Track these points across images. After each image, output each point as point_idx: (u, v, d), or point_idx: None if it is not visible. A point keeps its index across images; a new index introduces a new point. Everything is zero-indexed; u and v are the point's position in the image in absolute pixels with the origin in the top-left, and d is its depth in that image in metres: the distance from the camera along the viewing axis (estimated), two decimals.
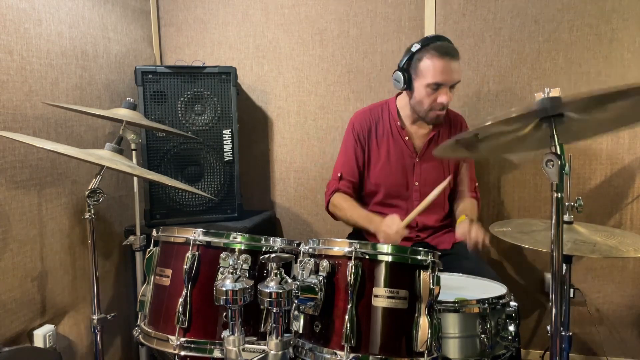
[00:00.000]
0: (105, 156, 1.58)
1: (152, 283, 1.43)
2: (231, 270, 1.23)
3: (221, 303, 1.17)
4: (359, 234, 2.14)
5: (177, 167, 2.21)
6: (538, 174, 2.32)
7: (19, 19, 1.73)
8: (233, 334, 1.19)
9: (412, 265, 1.23)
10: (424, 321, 1.20)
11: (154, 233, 1.48)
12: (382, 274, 1.22)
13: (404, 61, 1.90)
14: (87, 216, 1.58)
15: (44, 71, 1.84)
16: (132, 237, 1.95)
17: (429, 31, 2.33)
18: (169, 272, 1.39)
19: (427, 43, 1.85)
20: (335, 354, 1.19)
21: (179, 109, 2.19)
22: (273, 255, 1.17)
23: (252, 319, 1.33)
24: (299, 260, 1.33)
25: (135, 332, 1.43)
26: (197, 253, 1.35)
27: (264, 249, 1.39)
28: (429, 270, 1.22)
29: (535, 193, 2.33)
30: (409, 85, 1.91)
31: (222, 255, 1.34)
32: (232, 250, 1.35)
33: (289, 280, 1.17)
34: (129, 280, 2.26)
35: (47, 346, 1.78)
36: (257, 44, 2.54)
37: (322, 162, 2.54)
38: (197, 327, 1.33)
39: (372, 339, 1.19)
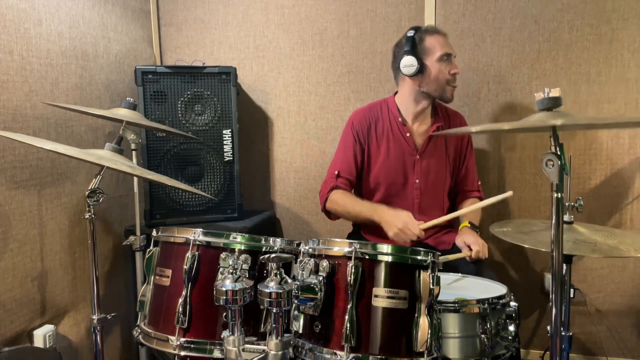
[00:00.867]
0: (105, 156, 1.58)
1: (152, 283, 1.43)
2: (231, 271, 1.23)
3: (221, 303, 1.17)
4: (358, 234, 2.15)
5: (177, 167, 2.21)
6: (538, 174, 2.32)
7: (19, 19, 1.73)
8: (233, 334, 1.19)
9: (412, 265, 1.23)
10: (424, 321, 1.20)
11: (154, 233, 1.48)
12: (382, 274, 1.22)
13: (408, 46, 1.91)
14: (87, 216, 1.57)
15: (44, 71, 1.84)
16: (132, 237, 1.95)
17: None
18: (169, 272, 1.39)
19: (418, 28, 1.95)
20: (335, 354, 1.19)
21: (179, 109, 2.19)
22: (273, 255, 1.17)
23: (252, 319, 1.33)
24: (299, 260, 1.33)
25: (135, 332, 1.43)
26: (197, 253, 1.35)
27: (264, 249, 1.39)
28: (429, 271, 1.22)
29: (535, 193, 2.33)
30: (421, 67, 1.91)
31: (222, 255, 1.34)
32: (232, 250, 1.35)
33: (289, 280, 1.17)
34: (129, 280, 2.26)
35: (47, 346, 1.78)
36: (257, 44, 2.54)
37: (322, 162, 2.53)
38: (197, 327, 1.33)
39: (372, 339, 1.19)
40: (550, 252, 1.11)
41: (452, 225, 2.12)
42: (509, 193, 1.69)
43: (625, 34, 2.16)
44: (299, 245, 1.40)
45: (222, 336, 1.21)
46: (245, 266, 1.33)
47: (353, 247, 1.22)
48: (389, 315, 1.20)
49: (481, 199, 2.12)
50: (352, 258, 1.21)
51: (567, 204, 1.47)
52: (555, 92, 1.13)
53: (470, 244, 1.80)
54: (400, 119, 2.02)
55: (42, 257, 1.82)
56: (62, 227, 1.92)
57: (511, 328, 1.40)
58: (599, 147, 2.25)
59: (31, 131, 1.78)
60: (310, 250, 1.31)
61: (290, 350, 1.22)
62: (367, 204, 1.95)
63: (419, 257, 1.23)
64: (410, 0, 2.36)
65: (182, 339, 1.32)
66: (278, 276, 1.16)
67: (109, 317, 1.65)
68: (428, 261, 1.23)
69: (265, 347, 1.18)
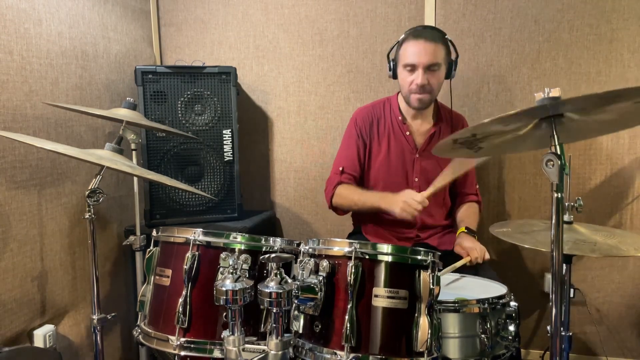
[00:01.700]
0: (105, 156, 1.58)
1: (152, 283, 1.43)
2: (231, 270, 1.24)
3: (221, 303, 1.17)
4: (359, 233, 2.15)
5: (177, 167, 2.21)
6: (538, 174, 2.32)
7: (19, 19, 1.73)
8: (233, 334, 1.19)
9: (412, 265, 1.23)
10: (424, 321, 1.20)
11: (154, 233, 1.48)
12: (382, 274, 1.22)
13: (393, 50, 1.97)
14: (87, 216, 1.57)
15: (44, 71, 1.84)
16: (132, 237, 1.95)
17: None
18: (169, 272, 1.39)
19: (410, 31, 1.92)
20: (335, 354, 1.19)
21: (179, 109, 2.19)
22: (273, 255, 1.17)
23: (252, 319, 1.33)
24: (299, 260, 1.33)
25: (135, 332, 1.43)
26: (197, 253, 1.35)
27: (264, 249, 1.39)
28: (429, 270, 1.22)
29: (535, 193, 2.33)
30: (394, 74, 1.97)
31: (222, 255, 1.34)
32: (232, 250, 1.35)
33: (289, 280, 1.17)
34: (129, 280, 2.26)
35: (47, 346, 1.78)
36: (257, 44, 2.54)
37: (322, 162, 2.54)
38: (197, 327, 1.33)
39: (372, 339, 1.19)
40: (550, 252, 1.11)
41: (453, 226, 2.12)
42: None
43: (625, 34, 2.16)
44: (299, 245, 1.40)
45: (222, 336, 1.21)
46: (245, 266, 1.33)
47: (353, 247, 1.22)
48: (389, 315, 1.20)
49: (479, 203, 2.14)
50: (352, 258, 1.20)
51: (567, 204, 1.47)
52: (555, 92, 1.13)
53: (469, 250, 1.80)
54: (400, 118, 2.03)
55: (42, 257, 1.82)
56: (62, 227, 1.92)
57: (511, 328, 1.40)
58: (599, 147, 2.25)
59: (31, 131, 1.78)
60: (310, 250, 1.31)
61: (290, 350, 1.22)
62: (372, 193, 1.97)
63: (419, 257, 1.23)
64: (410, 0, 2.36)
65: (182, 339, 1.32)
66: (278, 276, 1.16)
67: (109, 317, 1.65)
68: (428, 261, 1.23)
69: (265, 347, 1.18)
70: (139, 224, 1.99)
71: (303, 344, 1.25)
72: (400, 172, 2.03)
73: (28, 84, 1.77)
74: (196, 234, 1.36)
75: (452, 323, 1.37)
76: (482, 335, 1.36)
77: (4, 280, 1.65)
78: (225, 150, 2.25)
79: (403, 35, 1.93)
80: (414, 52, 1.86)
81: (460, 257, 1.83)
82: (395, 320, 1.20)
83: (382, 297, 1.20)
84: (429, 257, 1.24)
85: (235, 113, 2.25)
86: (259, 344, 1.21)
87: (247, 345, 1.20)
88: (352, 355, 1.17)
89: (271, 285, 1.15)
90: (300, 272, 1.28)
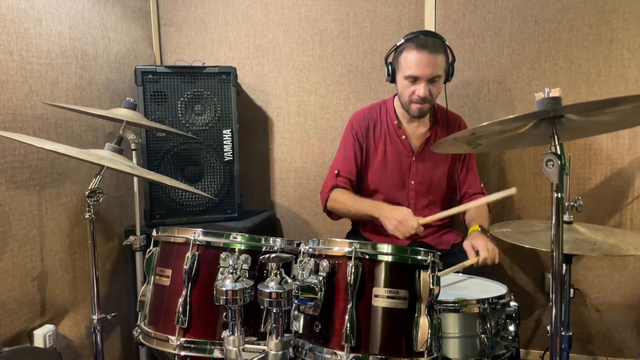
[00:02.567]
0: (105, 156, 1.58)
1: (152, 283, 1.43)
2: (231, 270, 1.24)
3: (221, 303, 1.17)
4: (358, 233, 2.15)
5: (177, 167, 2.21)
6: (538, 174, 2.32)
7: (19, 19, 1.73)
8: (233, 334, 1.19)
9: (412, 265, 1.23)
10: (424, 321, 1.20)
11: (154, 233, 1.48)
12: (382, 274, 1.22)
13: (389, 55, 1.96)
14: (87, 216, 1.57)
15: (44, 71, 1.84)
16: (132, 237, 1.95)
17: None
18: (169, 272, 1.39)
19: (410, 37, 1.87)
20: (335, 354, 1.19)
21: (179, 109, 2.19)
22: (273, 255, 1.17)
23: (252, 319, 1.33)
24: (299, 260, 1.33)
25: (135, 332, 1.43)
26: (197, 253, 1.35)
27: (264, 249, 1.39)
28: (429, 270, 1.22)
29: (535, 193, 2.33)
30: (393, 78, 1.95)
31: (222, 255, 1.34)
32: (232, 250, 1.35)
33: (289, 280, 1.17)
34: (129, 280, 2.26)
35: (47, 346, 1.78)
36: (257, 44, 2.54)
37: (322, 162, 2.54)
38: (197, 327, 1.33)
39: (372, 339, 1.19)
40: (550, 252, 1.11)
41: (452, 225, 2.12)
42: (513, 190, 1.63)
43: (625, 34, 2.16)
44: (299, 245, 1.40)
45: (222, 336, 1.21)
46: (245, 266, 1.33)
47: (353, 247, 1.22)
48: (389, 315, 1.20)
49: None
50: (352, 258, 1.21)
51: (567, 203, 1.47)
52: (555, 92, 1.13)
53: (480, 248, 1.72)
54: (396, 122, 2.03)
55: (42, 257, 1.82)
56: (62, 227, 1.92)
57: (511, 328, 1.40)
58: (599, 147, 2.25)
59: (31, 131, 1.78)
60: (310, 250, 1.31)
61: (290, 350, 1.22)
62: (367, 201, 1.96)
63: (419, 257, 1.24)
64: (410, 0, 2.36)
65: (182, 339, 1.32)
66: (278, 276, 1.16)
67: (109, 317, 1.65)
68: (428, 261, 1.23)
69: (265, 347, 1.18)
70: (139, 224, 1.99)
71: (303, 344, 1.25)
72: (396, 175, 2.03)
73: (28, 84, 1.77)
74: (196, 234, 1.37)
75: (452, 323, 1.37)
76: (482, 335, 1.37)
77: (4, 280, 1.65)
78: (225, 150, 2.25)
79: (402, 41, 1.89)
80: (417, 64, 1.83)
81: (457, 256, 1.82)
82: (395, 320, 1.20)
83: (382, 297, 1.20)
84: (429, 257, 1.24)
85: (235, 113, 2.25)
86: (259, 344, 1.21)
87: (247, 345, 1.20)
88: (352, 355, 1.17)
89: (271, 285, 1.15)
90: (300, 272, 1.28)
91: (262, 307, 1.17)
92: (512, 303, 1.43)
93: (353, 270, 1.19)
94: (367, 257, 1.22)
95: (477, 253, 1.72)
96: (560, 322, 1.11)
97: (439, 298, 1.24)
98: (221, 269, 1.32)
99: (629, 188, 2.23)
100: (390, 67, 1.95)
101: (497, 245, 2.36)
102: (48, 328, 1.81)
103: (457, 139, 1.34)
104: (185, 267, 1.34)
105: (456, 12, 2.32)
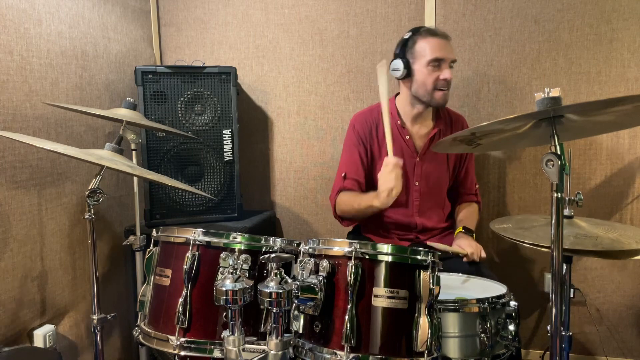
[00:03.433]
0: (105, 156, 1.58)
1: (152, 283, 1.43)
2: (231, 270, 1.24)
3: (221, 303, 1.17)
4: (358, 233, 2.15)
5: (177, 167, 2.21)
6: (538, 173, 2.32)
7: (19, 19, 1.73)
8: (233, 334, 1.19)
9: (412, 265, 1.23)
10: (424, 321, 1.20)
11: (154, 233, 1.48)
12: (382, 274, 1.22)
13: (399, 49, 1.93)
14: (87, 216, 1.57)
15: (44, 71, 1.84)
16: (132, 237, 1.95)
17: None
18: (169, 272, 1.39)
19: (418, 29, 1.91)
20: (335, 354, 1.19)
21: (179, 109, 2.19)
22: (273, 255, 1.17)
23: (252, 319, 1.34)
24: (299, 260, 1.33)
25: (135, 332, 1.43)
26: (197, 253, 1.36)
27: (264, 249, 1.39)
28: (429, 270, 1.22)
29: (536, 193, 2.33)
30: (408, 71, 1.90)
31: (222, 255, 1.34)
32: (232, 250, 1.35)
33: (289, 280, 1.17)
34: (129, 280, 2.26)
35: (47, 346, 1.78)
36: (257, 44, 2.54)
37: (322, 162, 2.54)
38: (197, 327, 1.33)
39: (372, 339, 1.19)
40: (550, 252, 1.11)
41: (452, 227, 2.12)
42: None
43: (625, 34, 2.16)
44: (299, 245, 1.40)
45: (222, 336, 1.21)
46: (245, 266, 1.33)
47: (353, 247, 1.22)
48: (389, 315, 1.20)
49: (478, 203, 2.14)
50: (352, 258, 1.21)
51: (567, 198, 1.46)
52: (555, 92, 1.13)
53: (464, 247, 1.82)
54: (399, 122, 2.02)
55: (42, 257, 1.82)
56: (62, 227, 1.92)
57: (511, 327, 1.40)
58: (599, 147, 2.25)
59: (31, 131, 1.78)
60: (310, 250, 1.31)
61: (290, 350, 1.22)
62: (366, 195, 1.91)
63: (419, 257, 1.24)
64: (410, 0, 2.36)
65: (182, 339, 1.32)
66: (278, 276, 1.16)
67: (109, 317, 1.65)
68: (428, 261, 1.23)
69: (265, 347, 1.18)
70: (139, 224, 1.99)
71: (303, 344, 1.25)
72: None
73: (28, 84, 1.77)
74: (196, 234, 1.37)
75: (452, 323, 1.37)
76: (482, 335, 1.37)
77: (4, 280, 1.65)
78: (225, 150, 2.25)
79: (410, 33, 1.90)
80: (440, 47, 1.85)
81: (459, 258, 1.83)
82: (395, 320, 1.20)
83: (382, 297, 1.20)
84: (429, 257, 1.24)
85: (235, 113, 2.25)
86: (259, 344, 1.21)
87: (247, 345, 1.20)
88: (352, 355, 1.17)
89: (271, 285, 1.15)
90: (300, 272, 1.28)
91: (262, 307, 1.17)
92: (512, 303, 1.43)
93: (353, 270, 1.19)
94: (367, 257, 1.22)
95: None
96: (560, 322, 1.11)
97: (439, 298, 1.24)
98: (221, 269, 1.32)
99: (629, 188, 2.23)
100: (402, 61, 1.89)
101: (497, 244, 2.38)
102: (48, 328, 1.81)
103: (457, 139, 1.34)
104: (185, 267, 1.34)
105: (456, 12, 2.32)
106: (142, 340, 1.40)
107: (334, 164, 2.12)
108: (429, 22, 2.33)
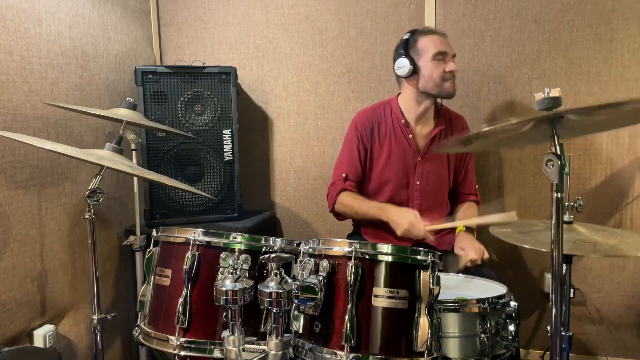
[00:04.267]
0: (105, 156, 1.58)
1: (152, 283, 1.43)
2: (231, 270, 1.24)
3: (221, 303, 1.17)
4: (358, 234, 2.15)
5: (177, 167, 2.21)
6: (538, 174, 2.32)
7: (19, 19, 1.73)
8: (233, 334, 1.18)
9: (412, 265, 1.23)
10: (424, 321, 1.20)
11: (154, 233, 1.48)
12: (382, 274, 1.22)
13: (402, 48, 1.95)
14: (87, 216, 1.57)
15: (44, 71, 1.84)
16: (132, 237, 1.95)
17: None
18: (169, 272, 1.39)
19: (415, 30, 1.97)
20: (335, 354, 1.19)
21: (179, 109, 2.19)
22: (273, 255, 1.17)
23: (252, 319, 1.33)
24: (299, 260, 1.33)
25: (135, 332, 1.43)
26: (197, 253, 1.35)
27: (264, 249, 1.39)
28: (429, 270, 1.22)
29: (535, 193, 2.33)
30: (414, 68, 1.93)
31: (222, 255, 1.34)
32: (232, 250, 1.35)
33: (289, 280, 1.17)
34: (129, 280, 2.26)
35: (47, 346, 1.78)
36: (257, 44, 2.54)
37: (322, 162, 2.53)
38: (197, 327, 1.33)
39: (372, 339, 1.19)
40: (550, 252, 1.11)
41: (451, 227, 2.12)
42: (514, 216, 1.65)
43: (625, 34, 2.16)
44: (299, 245, 1.40)
45: (222, 336, 1.21)
46: (245, 266, 1.33)
47: (353, 247, 1.22)
48: (389, 315, 1.20)
49: (477, 203, 2.14)
50: (352, 258, 1.21)
51: (567, 204, 1.47)
52: (555, 92, 1.13)
53: (467, 250, 1.80)
54: (403, 121, 2.02)
55: (42, 257, 1.82)
56: (62, 227, 1.92)
57: (511, 328, 1.40)
58: (599, 147, 2.25)
59: (31, 131, 1.78)
60: (310, 250, 1.31)
61: (290, 350, 1.22)
62: (373, 204, 1.97)
63: (419, 257, 1.24)
64: (410, 0, 2.36)
65: (182, 339, 1.32)
66: (278, 276, 1.16)
67: (109, 317, 1.65)
68: (428, 261, 1.23)
69: (265, 347, 1.18)
70: (139, 224, 1.99)
71: (303, 344, 1.25)
72: (402, 175, 2.02)
73: (28, 84, 1.77)
74: (196, 234, 1.37)
75: (452, 323, 1.37)
76: (482, 335, 1.37)
77: (4, 280, 1.65)
78: (225, 150, 2.25)
79: (409, 34, 1.95)
80: (440, 42, 1.92)
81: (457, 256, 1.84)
82: (395, 320, 1.20)
83: (382, 297, 1.20)
84: (429, 257, 1.24)
85: (235, 113, 2.25)
86: (259, 344, 1.21)
87: (247, 345, 1.20)
88: (352, 355, 1.17)
89: (271, 285, 1.15)
90: (300, 272, 1.28)
91: (262, 307, 1.17)
92: (512, 303, 1.43)
93: (353, 270, 1.19)
94: (367, 257, 1.22)
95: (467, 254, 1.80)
96: (560, 322, 1.11)
97: (439, 298, 1.24)
98: (221, 269, 1.32)
99: (629, 188, 2.23)
100: (407, 59, 1.92)
101: (497, 245, 2.37)
102: (48, 328, 1.81)
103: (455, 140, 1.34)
104: (185, 267, 1.34)
105: (456, 12, 2.32)
106: (142, 340, 1.40)
107: (334, 164, 2.13)
108: (429, 22, 2.33)
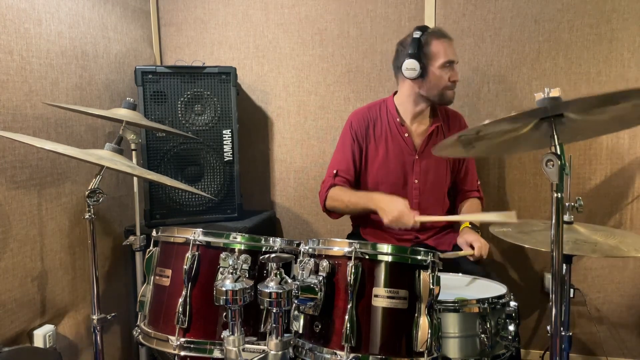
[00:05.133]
0: (105, 156, 1.58)
1: (152, 283, 1.43)
2: (231, 271, 1.24)
3: (221, 303, 1.17)
4: (358, 234, 2.15)
5: (177, 167, 2.21)
6: (538, 174, 2.32)
7: (19, 19, 1.73)
8: (233, 334, 1.19)
9: (412, 265, 1.23)
10: (424, 321, 1.20)
11: (154, 233, 1.48)
12: (382, 274, 1.22)
13: (413, 49, 1.89)
14: (87, 216, 1.57)
15: (44, 71, 1.84)
16: (132, 237, 1.95)
17: None
18: (169, 272, 1.39)
19: (426, 28, 1.94)
20: (335, 354, 1.19)
21: (179, 109, 2.19)
22: (273, 255, 1.17)
23: (252, 319, 1.34)
24: (299, 260, 1.33)
25: (135, 332, 1.43)
26: (197, 253, 1.35)
27: (264, 249, 1.39)
28: (429, 270, 1.22)
29: (535, 193, 2.33)
30: (422, 72, 1.89)
31: (222, 255, 1.34)
32: (232, 250, 1.35)
33: (289, 280, 1.17)
34: (129, 280, 2.26)
35: (47, 346, 1.78)
36: (257, 44, 2.54)
37: (322, 162, 2.53)
38: (197, 327, 1.33)
39: (372, 339, 1.19)
40: (550, 252, 1.11)
41: (453, 227, 2.12)
42: (513, 217, 1.58)
43: (625, 34, 2.16)
44: (299, 245, 1.40)
45: (222, 336, 1.21)
46: (245, 266, 1.33)
47: (353, 247, 1.22)
48: (389, 315, 1.20)
49: (480, 199, 2.13)
50: (352, 258, 1.21)
51: (567, 204, 1.47)
52: (555, 92, 1.13)
53: (472, 242, 1.80)
54: (398, 119, 2.02)
55: (42, 257, 1.82)
56: (62, 227, 1.92)
57: (511, 328, 1.40)
58: (599, 147, 2.25)
59: (31, 131, 1.78)
60: (310, 250, 1.31)
61: (290, 350, 1.22)
62: (363, 194, 1.96)
63: (419, 257, 1.24)
64: (410, 0, 2.36)
65: (182, 339, 1.32)
66: (278, 276, 1.16)
67: (109, 317, 1.65)
68: (428, 261, 1.23)
69: (265, 347, 1.18)
70: (139, 224, 1.99)
71: (303, 344, 1.25)
72: (399, 174, 2.02)
73: (28, 84, 1.77)
74: (196, 234, 1.37)
75: (452, 323, 1.37)
76: (482, 335, 1.36)
77: (4, 280, 1.65)
78: (225, 150, 2.25)
79: (420, 32, 1.90)
80: (450, 49, 1.91)
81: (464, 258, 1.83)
82: (395, 320, 1.20)
83: (382, 297, 1.20)
84: (429, 257, 1.24)
85: (235, 113, 2.25)
86: (259, 344, 1.21)
87: (247, 345, 1.20)
88: (352, 355, 1.17)
89: (271, 285, 1.15)
90: (300, 272, 1.28)
91: (262, 307, 1.17)
92: (512, 303, 1.43)
93: (353, 270, 1.19)
94: (367, 257, 1.22)
95: (471, 247, 1.80)
96: (560, 322, 1.11)
97: (439, 298, 1.24)
98: (221, 269, 1.32)
99: (629, 188, 2.23)
100: (420, 63, 1.88)
101: (497, 245, 2.37)
102: (48, 328, 1.81)
103: (458, 140, 1.33)
104: (185, 267, 1.34)
105: (456, 12, 2.32)
106: (142, 341, 1.40)
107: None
108: (429, 22, 2.33)
